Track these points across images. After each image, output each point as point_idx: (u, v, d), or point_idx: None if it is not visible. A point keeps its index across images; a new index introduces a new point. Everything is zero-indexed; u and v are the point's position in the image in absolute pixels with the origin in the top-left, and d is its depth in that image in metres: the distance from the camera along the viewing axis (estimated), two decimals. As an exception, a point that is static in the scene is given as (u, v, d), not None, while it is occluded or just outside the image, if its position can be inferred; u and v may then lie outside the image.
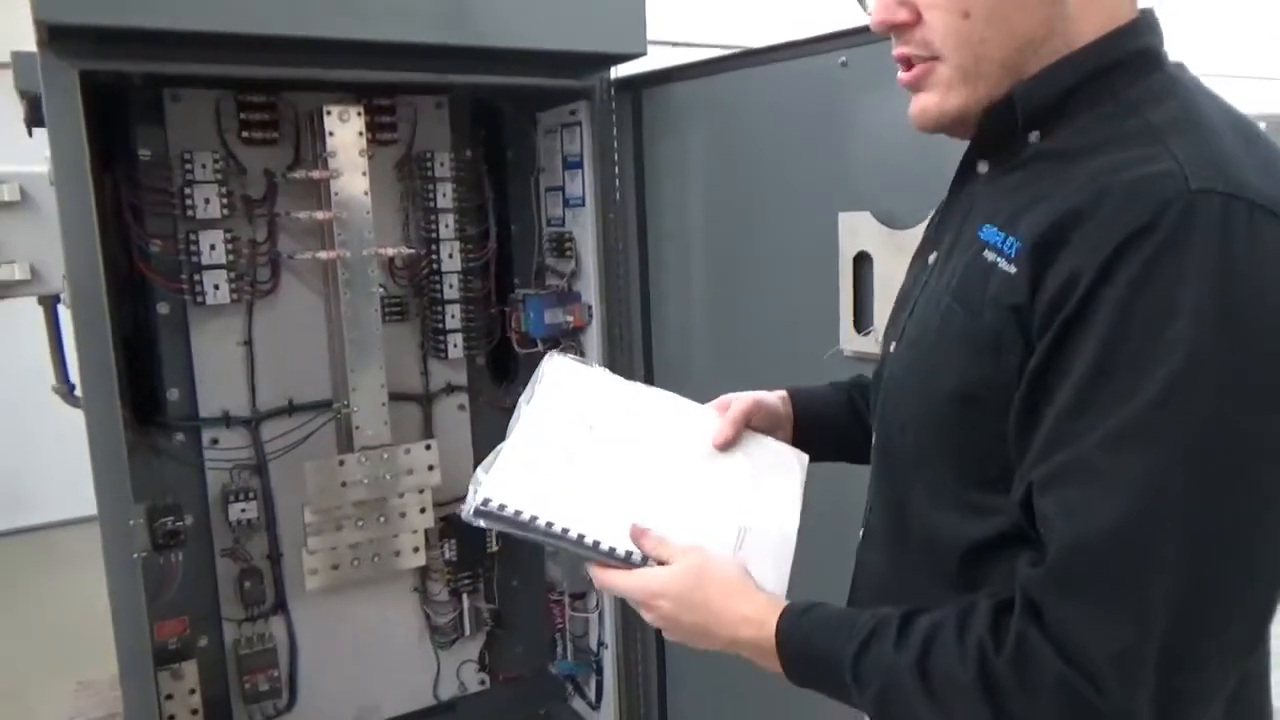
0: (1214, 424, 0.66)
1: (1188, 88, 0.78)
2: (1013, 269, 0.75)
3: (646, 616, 0.95)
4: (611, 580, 0.97)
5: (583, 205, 2.31)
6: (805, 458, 1.13)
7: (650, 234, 2.24)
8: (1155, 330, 0.66)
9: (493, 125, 2.50)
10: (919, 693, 0.76)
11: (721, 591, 0.91)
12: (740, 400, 1.13)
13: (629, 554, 0.98)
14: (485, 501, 0.98)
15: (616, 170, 2.23)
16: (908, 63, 0.86)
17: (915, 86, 0.86)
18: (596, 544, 0.98)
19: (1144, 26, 0.81)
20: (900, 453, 0.91)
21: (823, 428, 1.17)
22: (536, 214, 2.50)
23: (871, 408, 1.02)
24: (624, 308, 2.29)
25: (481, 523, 0.99)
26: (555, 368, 1.17)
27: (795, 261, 1.82)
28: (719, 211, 2.05)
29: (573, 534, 0.98)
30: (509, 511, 0.98)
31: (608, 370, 1.21)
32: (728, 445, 1.09)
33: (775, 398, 1.17)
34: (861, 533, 1.02)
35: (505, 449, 1.05)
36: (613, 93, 2.20)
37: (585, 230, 2.31)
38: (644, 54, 2.07)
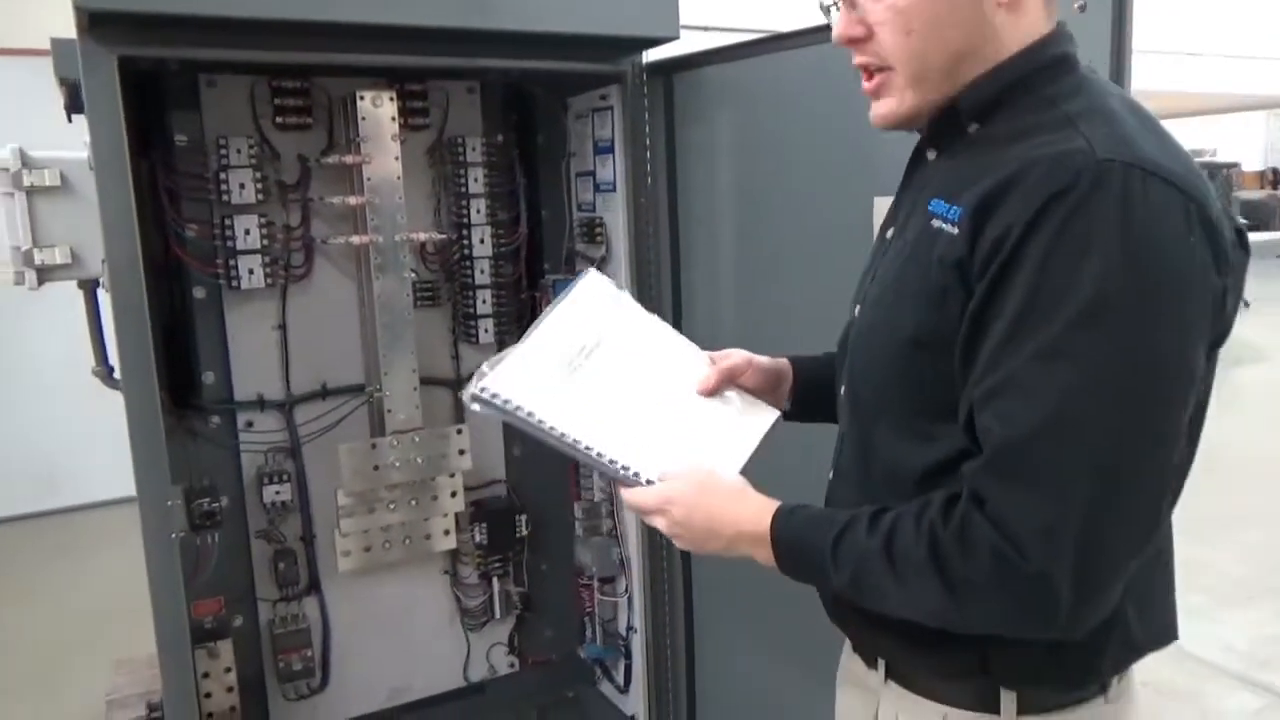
0: (1119, 341, 0.82)
1: (1096, 85, 0.96)
2: (955, 230, 0.91)
3: (659, 522, 1.09)
4: (634, 496, 1.11)
5: (613, 190, 2.30)
6: (777, 414, 1.25)
7: (681, 219, 2.23)
8: (1071, 270, 0.82)
9: (524, 110, 2.50)
10: (884, 570, 0.92)
11: (725, 497, 1.08)
12: (733, 355, 1.28)
13: (626, 468, 1.10)
14: (483, 390, 1.09)
15: (648, 155, 2.22)
16: (868, 74, 1.02)
17: (875, 94, 1.02)
18: (591, 451, 1.09)
19: (1061, 37, 0.99)
20: (866, 399, 1.06)
21: (822, 391, 1.27)
22: (567, 199, 2.50)
23: (839, 365, 1.16)
24: (654, 293, 2.28)
25: (476, 407, 1.10)
26: (588, 284, 1.28)
27: (828, 247, 1.81)
28: (751, 197, 2.04)
29: (570, 438, 1.09)
30: (500, 401, 1.09)
31: (634, 300, 1.32)
32: (710, 393, 1.24)
33: (771, 361, 1.32)
34: (831, 473, 1.17)
35: (515, 348, 1.16)
36: (644, 77, 2.19)
37: (616, 215, 2.30)
38: (677, 38, 2.05)
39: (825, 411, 1.24)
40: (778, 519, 1.02)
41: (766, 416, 1.24)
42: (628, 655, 2.52)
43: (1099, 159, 0.83)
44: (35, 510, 4.83)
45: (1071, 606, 0.83)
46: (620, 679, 2.57)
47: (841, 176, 1.75)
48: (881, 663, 1.10)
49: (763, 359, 1.31)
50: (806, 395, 1.31)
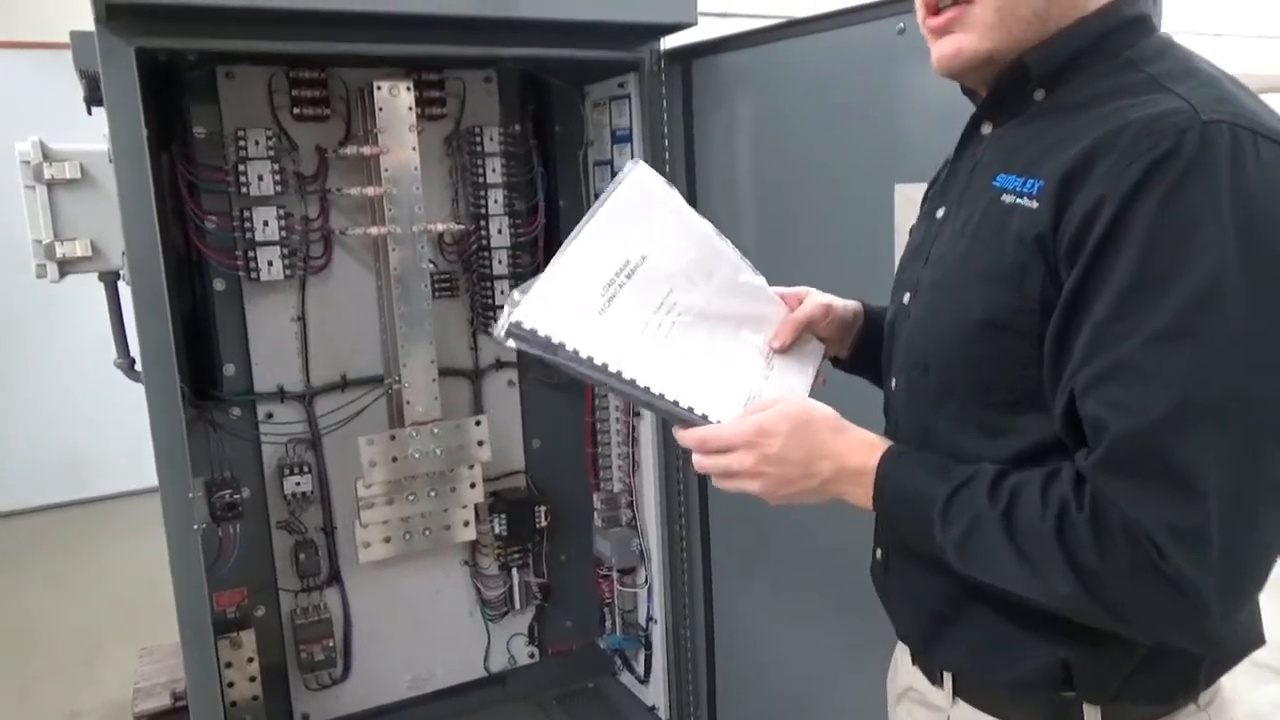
0: (1243, 319, 0.74)
1: (1181, 48, 0.88)
2: (1035, 204, 0.83)
3: (746, 459, 0.95)
4: (714, 432, 0.98)
5: (631, 179, 2.28)
6: (822, 347, 1.15)
7: (700, 208, 2.19)
8: (1183, 242, 0.75)
9: (541, 99, 2.48)
10: (1002, 539, 0.83)
11: (825, 427, 0.96)
12: (810, 301, 1.16)
13: (690, 409, 0.98)
14: (517, 323, 0.96)
15: (666, 144, 2.20)
16: (934, 9, 0.92)
17: (945, 29, 0.91)
18: (651, 390, 0.98)
19: None
20: (925, 388, 0.97)
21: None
22: (585, 188, 2.48)
23: (885, 356, 1.08)
24: (673, 283, 2.27)
25: (511, 343, 0.97)
26: (635, 180, 1.12)
27: (848, 235, 1.78)
28: (770, 185, 2.02)
29: (627, 376, 0.98)
30: (540, 335, 0.96)
31: (685, 202, 1.17)
32: (784, 349, 1.11)
33: (847, 308, 1.20)
34: None
35: (551, 268, 1.02)
36: (662, 64, 2.17)
37: (634, 205, 2.28)
38: (694, 24, 2.04)
39: (876, 370, 1.15)
40: (887, 458, 0.93)
41: (814, 350, 1.13)
42: (648, 646, 2.52)
43: (1204, 119, 0.75)
44: (61, 501, 4.88)
45: (1222, 615, 0.77)
46: (640, 669, 2.57)
47: (862, 164, 1.73)
48: (948, 678, 1.02)
49: (840, 306, 1.18)
50: (870, 345, 1.18)
